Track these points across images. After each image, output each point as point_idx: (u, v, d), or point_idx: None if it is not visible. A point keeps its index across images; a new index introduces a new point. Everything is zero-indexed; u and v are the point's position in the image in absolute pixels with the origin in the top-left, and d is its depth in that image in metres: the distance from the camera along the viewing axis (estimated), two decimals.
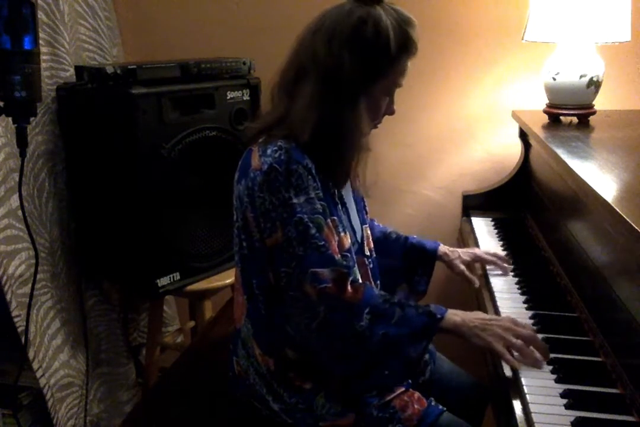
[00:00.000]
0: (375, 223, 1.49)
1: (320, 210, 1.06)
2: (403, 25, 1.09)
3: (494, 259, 1.47)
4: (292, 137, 1.09)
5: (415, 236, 1.47)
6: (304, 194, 1.05)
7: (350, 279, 1.06)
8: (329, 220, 1.08)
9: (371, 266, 1.26)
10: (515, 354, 1.07)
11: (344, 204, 1.19)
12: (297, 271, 1.04)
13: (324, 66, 1.08)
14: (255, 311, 1.15)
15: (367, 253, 1.26)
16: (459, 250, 1.47)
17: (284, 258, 1.06)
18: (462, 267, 1.43)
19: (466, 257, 1.45)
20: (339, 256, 1.07)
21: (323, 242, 1.04)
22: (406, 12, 1.11)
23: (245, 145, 1.16)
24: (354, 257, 1.16)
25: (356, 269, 1.16)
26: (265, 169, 1.05)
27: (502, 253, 1.53)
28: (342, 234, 1.12)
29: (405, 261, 1.44)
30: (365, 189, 1.27)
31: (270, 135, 1.11)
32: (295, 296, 1.05)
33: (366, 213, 1.36)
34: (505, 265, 1.46)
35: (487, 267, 1.49)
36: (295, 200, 1.04)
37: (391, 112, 1.20)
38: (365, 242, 1.26)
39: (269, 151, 1.07)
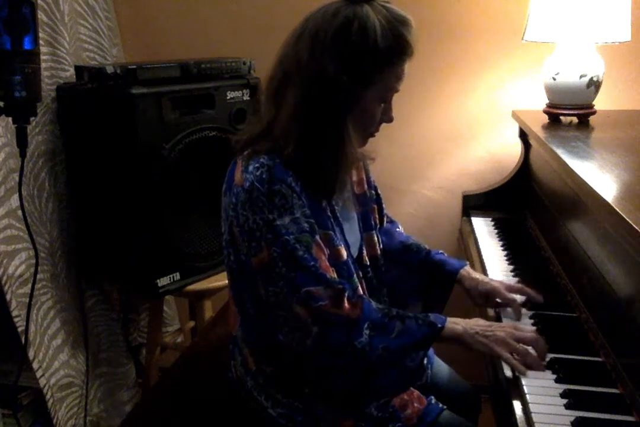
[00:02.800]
0: (398, 230, 1.41)
1: (307, 229, 1.01)
2: (395, 24, 0.99)
3: (511, 298, 1.25)
4: (277, 151, 1.03)
5: (441, 251, 1.34)
6: (289, 214, 1.00)
7: (347, 294, 1.02)
8: (317, 236, 1.02)
9: (370, 274, 1.21)
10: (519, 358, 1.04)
11: (336, 218, 1.12)
12: (285, 291, 1.00)
13: (307, 73, 1.00)
14: (247, 323, 1.13)
15: (366, 262, 1.21)
16: (481, 278, 1.28)
17: (271, 278, 1.01)
18: (478, 301, 1.28)
19: (483, 289, 1.26)
20: (331, 272, 1.03)
21: (313, 263, 0.99)
22: (400, 11, 1.02)
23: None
24: (352, 267, 1.12)
25: (355, 277, 1.12)
26: (247, 188, 1.00)
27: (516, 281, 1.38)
28: (339, 246, 1.08)
29: (422, 277, 1.33)
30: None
31: (254, 150, 1.05)
32: (284, 315, 1.01)
33: (380, 217, 1.32)
34: (535, 296, 1.26)
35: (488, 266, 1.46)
36: (279, 222, 0.99)
37: (389, 119, 1.11)
38: (364, 252, 1.21)
39: (250, 168, 1.02)
